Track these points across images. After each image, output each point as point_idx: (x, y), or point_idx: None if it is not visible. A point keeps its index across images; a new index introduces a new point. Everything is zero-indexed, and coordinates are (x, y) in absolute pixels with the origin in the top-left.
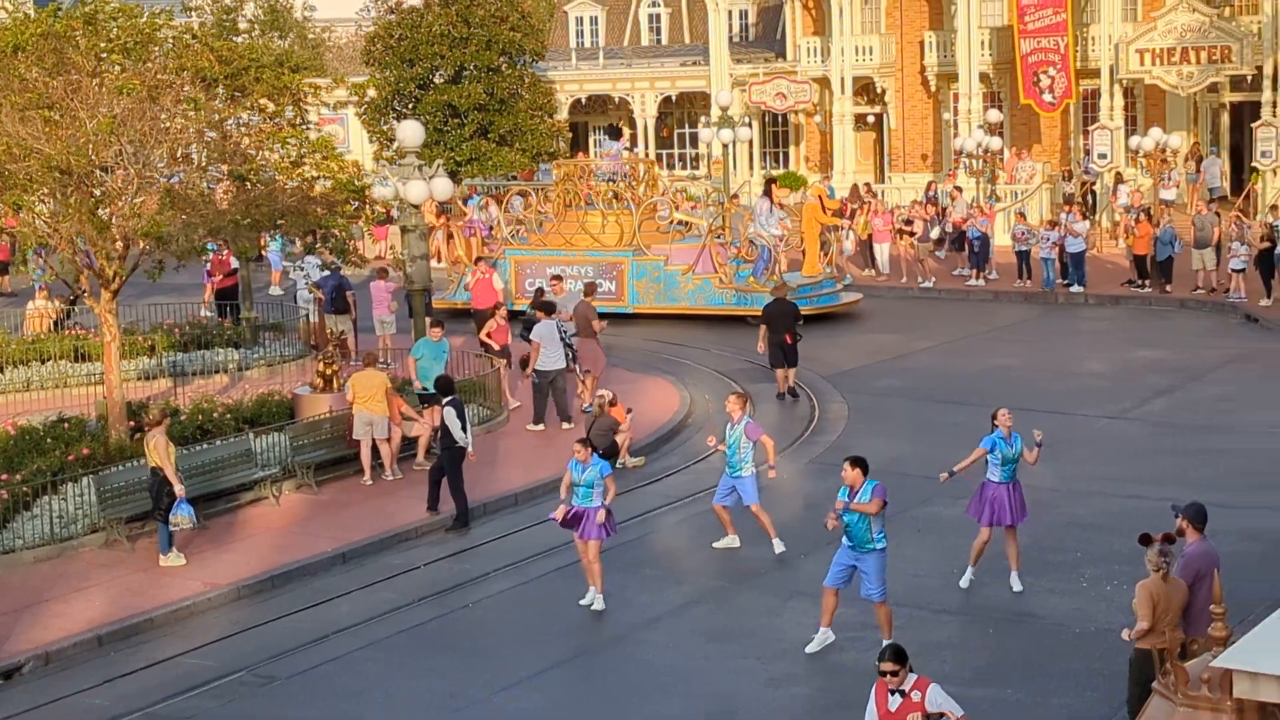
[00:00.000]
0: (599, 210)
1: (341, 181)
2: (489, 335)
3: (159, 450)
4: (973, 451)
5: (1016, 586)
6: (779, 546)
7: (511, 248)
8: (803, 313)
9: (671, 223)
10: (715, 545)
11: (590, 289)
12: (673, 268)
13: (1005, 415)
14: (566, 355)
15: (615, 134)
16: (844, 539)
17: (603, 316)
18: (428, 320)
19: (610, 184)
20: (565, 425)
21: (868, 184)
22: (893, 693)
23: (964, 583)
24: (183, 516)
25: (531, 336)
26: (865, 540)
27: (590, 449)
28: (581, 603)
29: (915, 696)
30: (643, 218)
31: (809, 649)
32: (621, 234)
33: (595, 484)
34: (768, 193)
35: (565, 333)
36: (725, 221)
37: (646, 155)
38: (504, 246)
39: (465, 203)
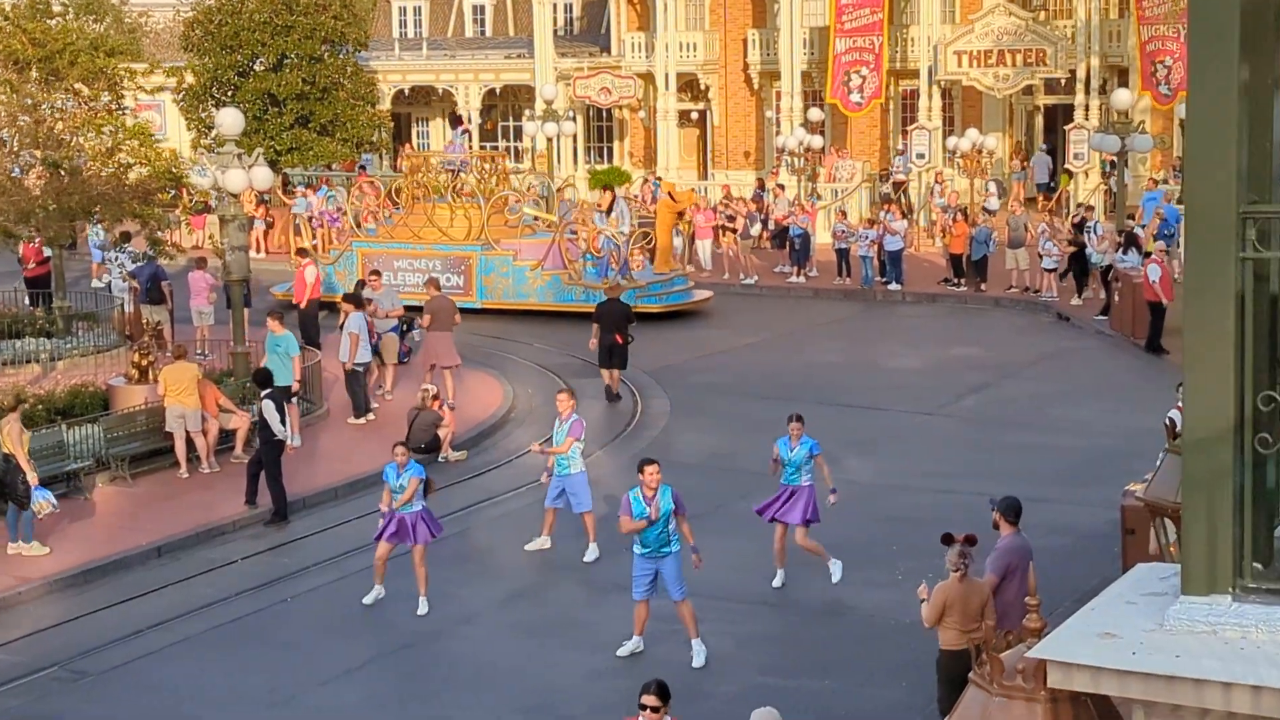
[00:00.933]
0: (448, 204)
1: (158, 170)
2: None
3: (12, 437)
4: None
5: (835, 576)
6: (593, 553)
7: (359, 240)
8: (655, 310)
9: (521, 217)
10: (527, 547)
11: (435, 283)
12: (522, 263)
13: (792, 425)
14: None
15: (455, 122)
16: (637, 548)
17: (476, 312)
18: (268, 315)
19: (453, 174)
20: (365, 419)
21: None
22: None
23: (777, 582)
24: (44, 502)
25: (348, 329)
26: (663, 544)
27: (410, 452)
28: (365, 600)
29: None
30: (491, 211)
31: (620, 653)
32: (470, 228)
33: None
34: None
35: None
36: (579, 216)
37: (471, 148)
38: (351, 239)
39: (317, 193)
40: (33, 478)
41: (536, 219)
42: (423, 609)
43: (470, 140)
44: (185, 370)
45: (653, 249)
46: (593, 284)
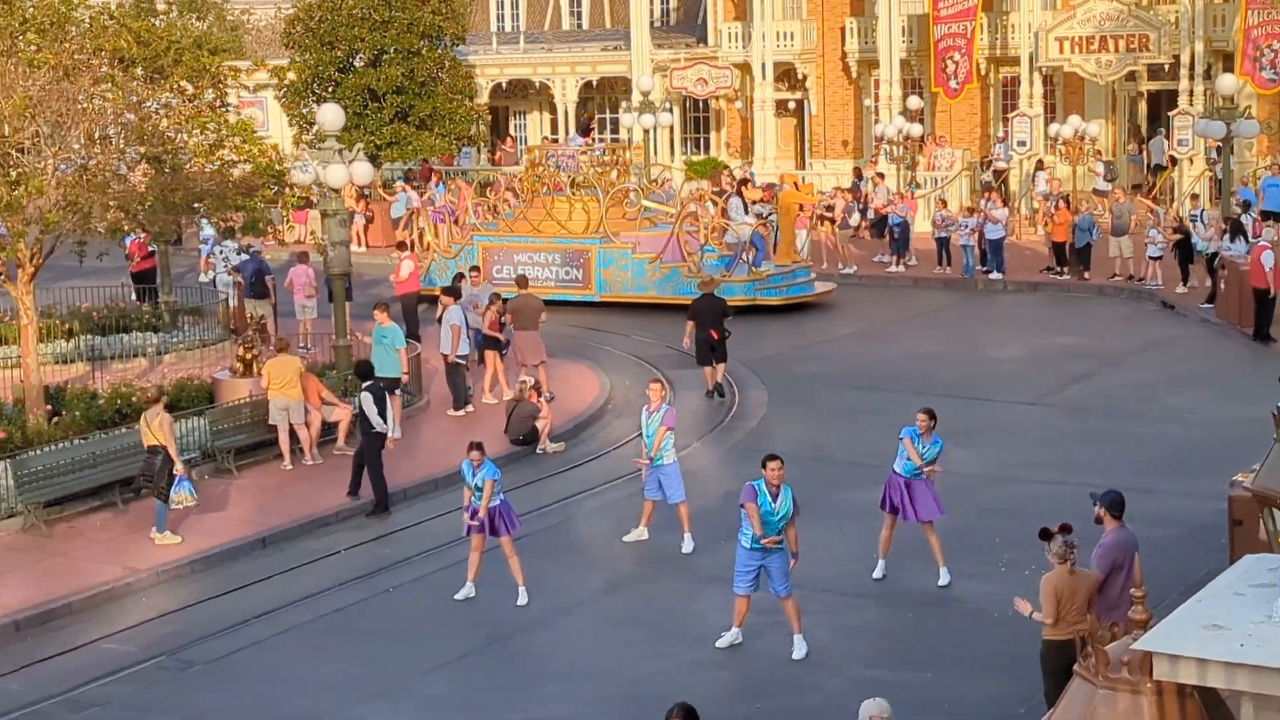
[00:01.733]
0: (566, 197)
1: (261, 166)
2: (490, 326)
3: (163, 428)
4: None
5: (943, 580)
6: (689, 544)
7: (479, 234)
8: (775, 303)
9: (640, 210)
10: (624, 539)
11: (523, 281)
12: (640, 256)
13: (921, 417)
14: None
15: (584, 129)
16: (745, 540)
17: (571, 305)
18: (374, 307)
19: (566, 173)
20: (465, 411)
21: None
22: None
23: (877, 573)
24: (185, 494)
25: (448, 321)
26: (780, 541)
27: (483, 453)
28: (456, 597)
29: None
30: (610, 204)
31: (719, 644)
32: (589, 221)
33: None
34: (739, 192)
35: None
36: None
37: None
38: (471, 233)
39: (436, 188)
40: (180, 468)
41: (656, 211)
42: (522, 599)
43: (591, 142)
44: (288, 364)
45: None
46: (714, 276)
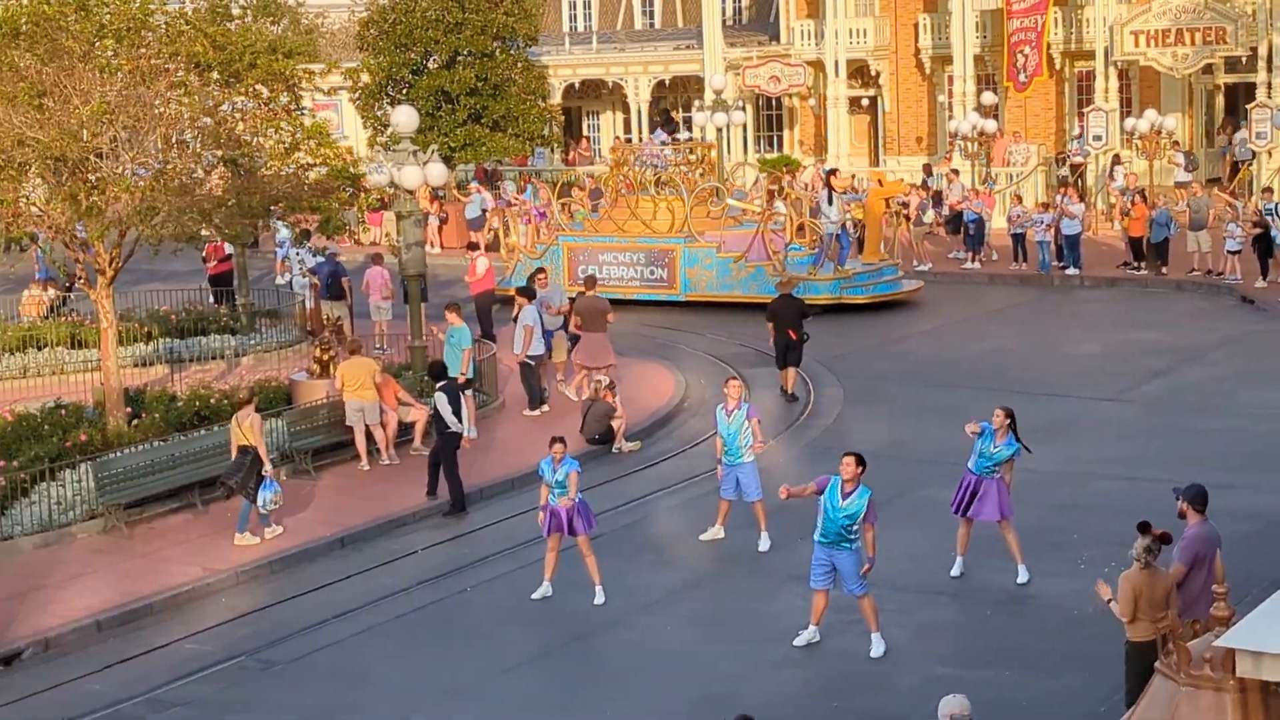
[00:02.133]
0: (651, 196)
1: (336, 168)
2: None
3: (254, 429)
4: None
5: (1021, 578)
6: (765, 542)
7: (564, 234)
8: (861, 301)
9: (725, 209)
10: (701, 537)
11: (591, 282)
12: (725, 255)
13: (998, 415)
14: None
15: (668, 121)
16: (818, 535)
17: (656, 305)
18: (446, 307)
19: (656, 170)
20: (540, 411)
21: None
22: None
23: (955, 571)
24: (274, 494)
25: (522, 321)
26: (844, 538)
27: (565, 447)
28: (533, 596)
29: None
30: (694, 203)
31: (796, 643)
32: (673, 220)
33: (571, 482)
34: (827, 182)
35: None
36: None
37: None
38: (557, 233)
39: (521, 192)
40: (269, 470)
41: (740, 210)
42: (599, 599)
43: (675, 136)
44: (361, 365)
45: (860, 238)
46: (800, 275)
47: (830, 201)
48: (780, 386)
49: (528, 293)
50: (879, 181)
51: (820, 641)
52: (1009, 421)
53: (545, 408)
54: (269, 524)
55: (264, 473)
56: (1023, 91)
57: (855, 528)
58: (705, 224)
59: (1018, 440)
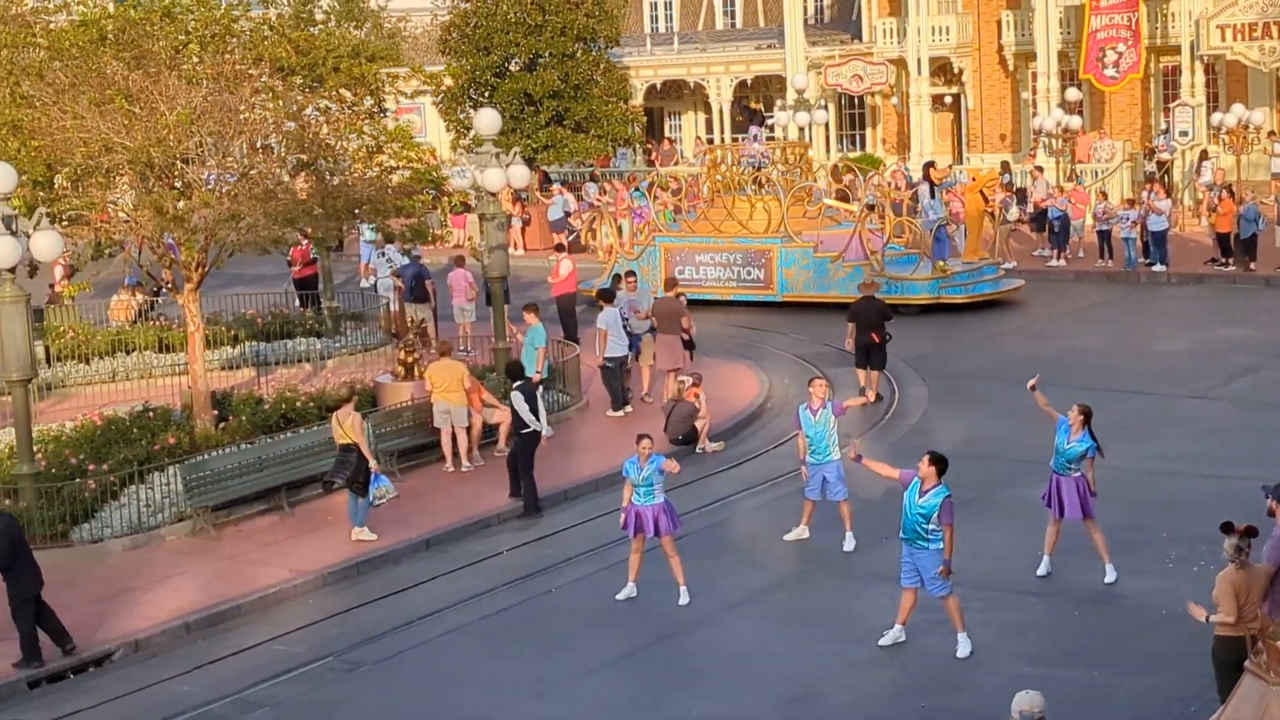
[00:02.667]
0: (747, 196)
1: (419, 172)
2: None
3: (355, 427)
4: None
5: (1109, 577)
6: (850, 542)
7: (662, 235)
8: (959, 300)
9: (821, 209)
10: (785, 537)
11: (671, 284)
12: (822, 255)
13: (1073, 411)
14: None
15: (752, 116)
16: (901, 534)
17: (749, 305)
18: (524, 307)
19: (756, 170)
20: (623, 412)
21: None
22: None
23: (1041, 570)
24: (383, 489)
25: (598, 324)
26: (919, 536)
27: (652, 443)
28: (618, 597)
29: None
30: (791, 203)
31: (881, 642)
32: (770, 221)
33: (655, 480)
34: (926, 175)
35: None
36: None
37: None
38: (654, 234)
39: (631, 194)
40: (374, 465)
41: (838, 209)
42: (684, 599)
43: (769, 132)
44: (451, 368)
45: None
46: (898, 274)
47: (932, 195)
48: (862, 389)
49: (607, 295)
50: (971, 177)
51: (905, 642)
52: (1083, 418)
53: (628, 409)
54: (361, 523)
55: (368, 469)
56: (1112, 86)
57: (931, 526)
58: (802, 224)
59: (1093, 439)
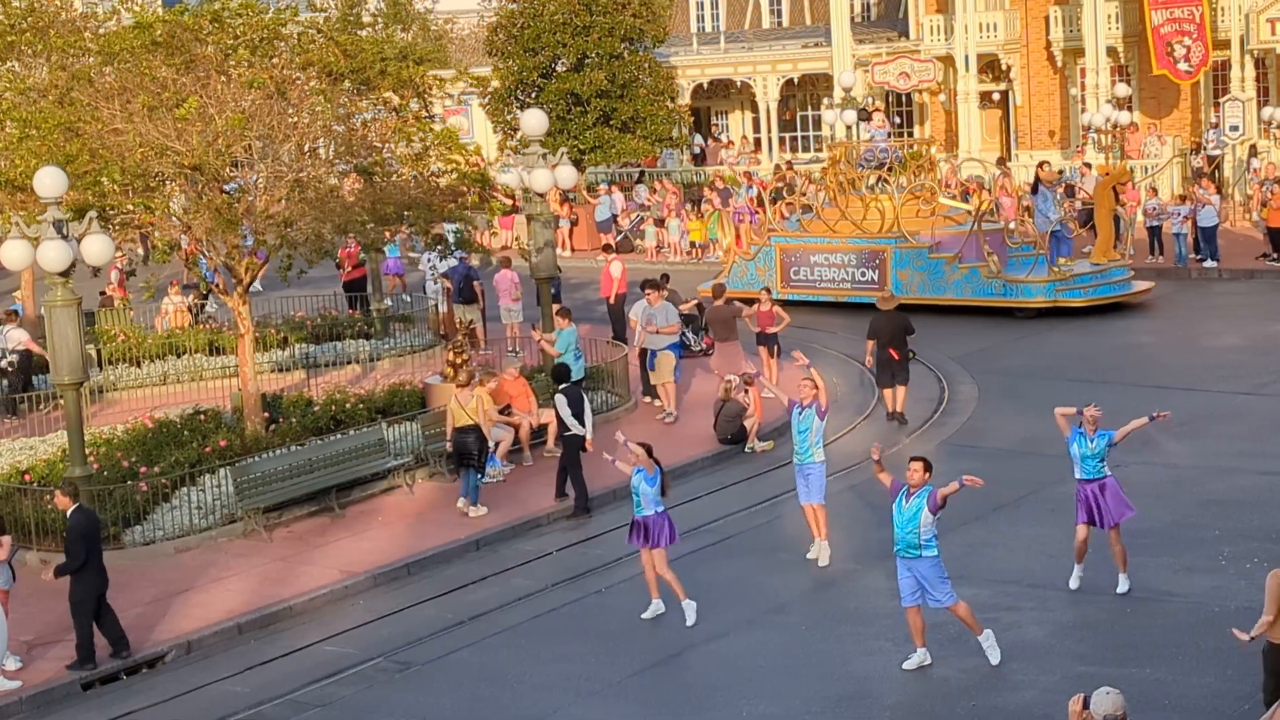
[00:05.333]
0: (861, 195)
1: (465, 173)
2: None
3: (480, 407)
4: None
5: (1122, 587)
6: (824, 554)
7: (777, 235)
8: (1077, 304)
9: (935, 209)
10: (808, 556)
11: (719, 290)
12: (937, 256)
13: (1088, 410)
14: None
15: (865, 116)
16: (895, 550)
17: (868, 308)
18: (556, 311)
19: (879, 170)
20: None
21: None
22: None
23: (1073, 583)
24: (498, 469)
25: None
26: (913, 546)
27: (650, 455)
28: (644, 616)
29: None
30: (905, 201)
31: (905, 666)
32: (883, 220)
33: (643, 493)
34: (1038, 177)
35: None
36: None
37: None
38: (770, 234)
39: (748, 190)
40: (493, 445)
41: (957, 210)
42: (690, 619)
43: (886, 129)
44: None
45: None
46: (1014, 277)
47: (1047, 197)
48: (886, 409)
49: (652, 284)
50: (1104, 173)
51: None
52: (1089, 419)
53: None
54: (475, 501)
55: (487, 448)
56: (1188, 80)
57: (922, 532)
58: (919, 223)
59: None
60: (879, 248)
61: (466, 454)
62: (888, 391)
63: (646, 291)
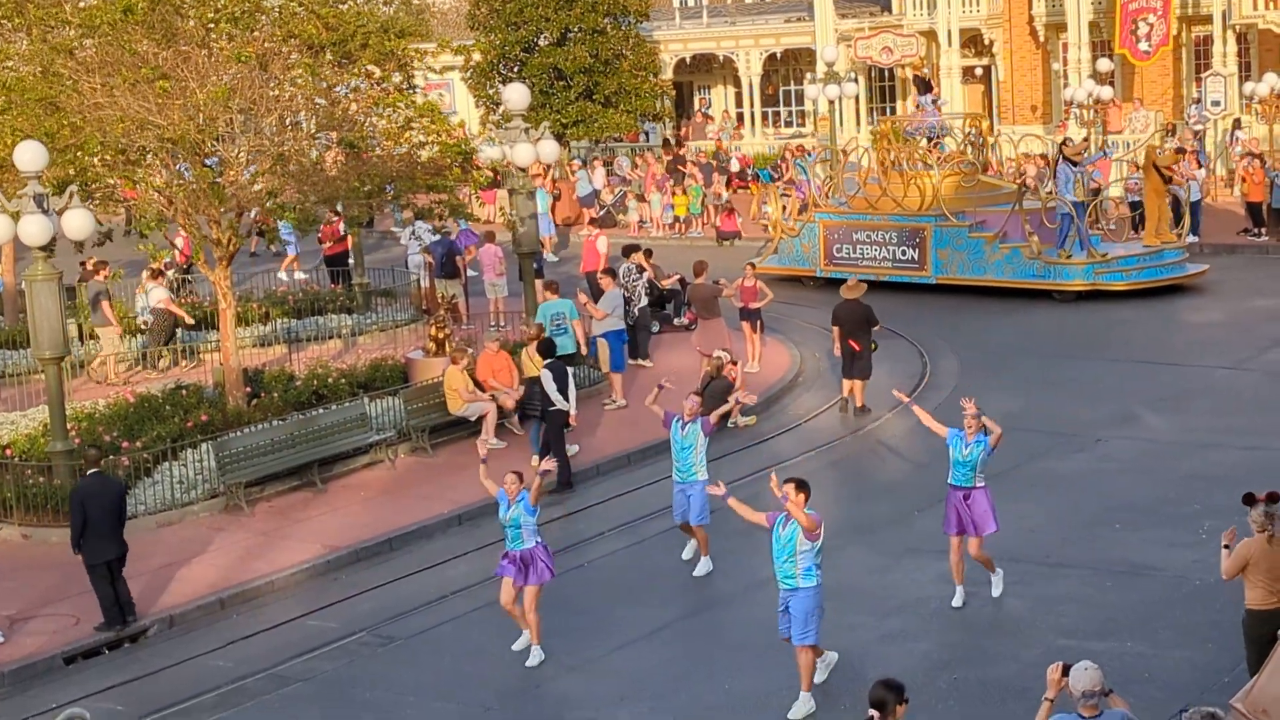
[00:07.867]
0: (900, 172)
1: (448, 146)
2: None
3: (539, 363)
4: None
5: (996, 590)
6: (705, 567)
7: (821, 210)
8: (1119, 288)
9: (976, 186)
10: (695, 574)
11: (700, 268)
12: (977, 235)
13: (966, 405)
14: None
15: (926, 87)
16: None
17: (905, 287)
18: (543, 284)
19: (932, 143)
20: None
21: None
22: None
23: (956, 601)
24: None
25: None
26: (790, 575)
27: (521, 483)
28: (529, 664)
29: None
30: (945, 177)
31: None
32: (923, 198)
33: (524, 524)
34: (1061, 155)
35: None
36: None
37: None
38: (815, 210)
39: (796, 165)
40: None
41: (1002, 190)
42: (533, 659)
43: (937, 102)
44: (455, 377)
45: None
46: (1051, 259)
47: (1068, 176)
48: (843, 399)
49: (610, 272)
50: (1154, 151)
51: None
52: (979, 414)
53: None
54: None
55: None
56: (1145, 60)
57: (800, 562)
58: (962, 202)
59: (985, 432)
60: (919, 225)
61: (538, 404)
62: (847, 383)
63: (599, 281)
